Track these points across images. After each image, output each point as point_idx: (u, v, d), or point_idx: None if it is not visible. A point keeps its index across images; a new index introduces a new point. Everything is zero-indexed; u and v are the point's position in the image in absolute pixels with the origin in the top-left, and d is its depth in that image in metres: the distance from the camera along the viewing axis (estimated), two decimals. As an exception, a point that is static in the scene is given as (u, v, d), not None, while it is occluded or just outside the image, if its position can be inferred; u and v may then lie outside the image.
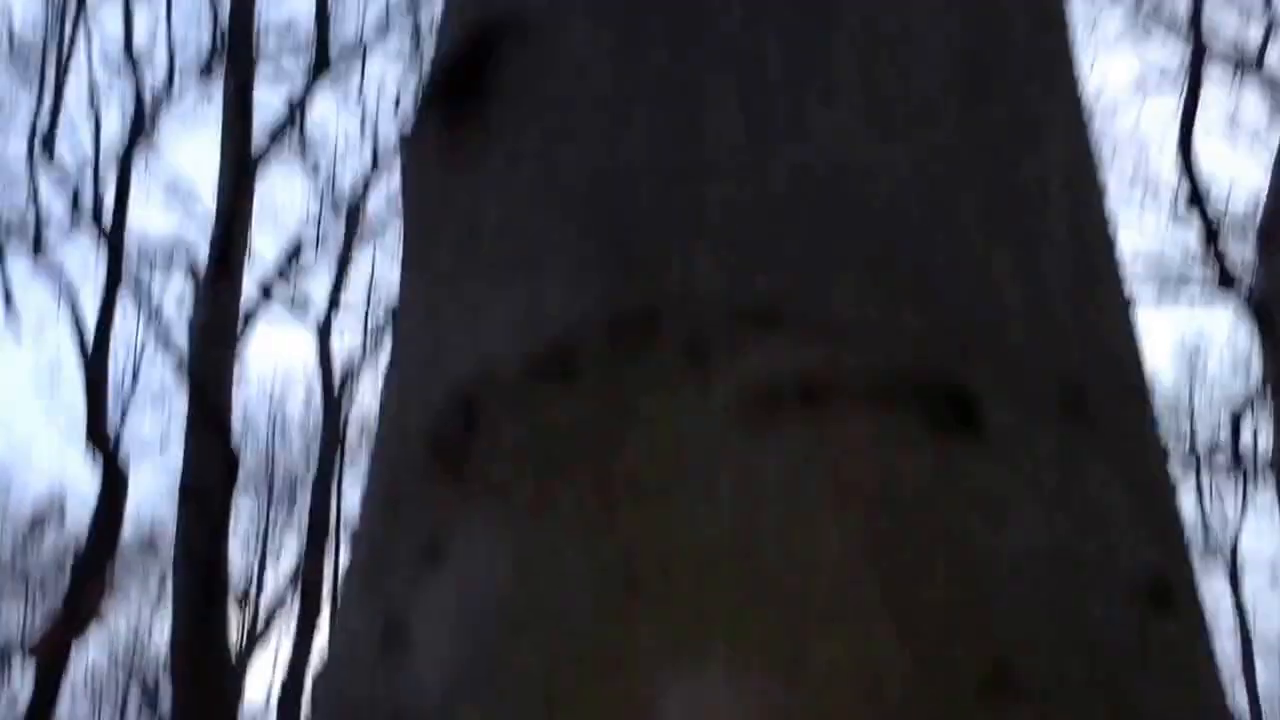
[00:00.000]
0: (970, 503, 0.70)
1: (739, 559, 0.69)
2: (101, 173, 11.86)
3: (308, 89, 12.68)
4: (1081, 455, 0.75)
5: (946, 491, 0.70)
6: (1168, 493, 0.80)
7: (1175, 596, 0.73)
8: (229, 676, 9.19)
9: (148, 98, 12.54)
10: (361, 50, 13.93)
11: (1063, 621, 0.68)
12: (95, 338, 10.40)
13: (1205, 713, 0.71)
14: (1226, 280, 11.10)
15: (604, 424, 0.76)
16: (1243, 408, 14.39)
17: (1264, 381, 11.97)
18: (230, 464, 7.75)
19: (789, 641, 0.66)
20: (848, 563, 0.67)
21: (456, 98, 0.97)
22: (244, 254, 10.41)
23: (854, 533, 0.68)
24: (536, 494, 0.76)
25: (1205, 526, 17.69)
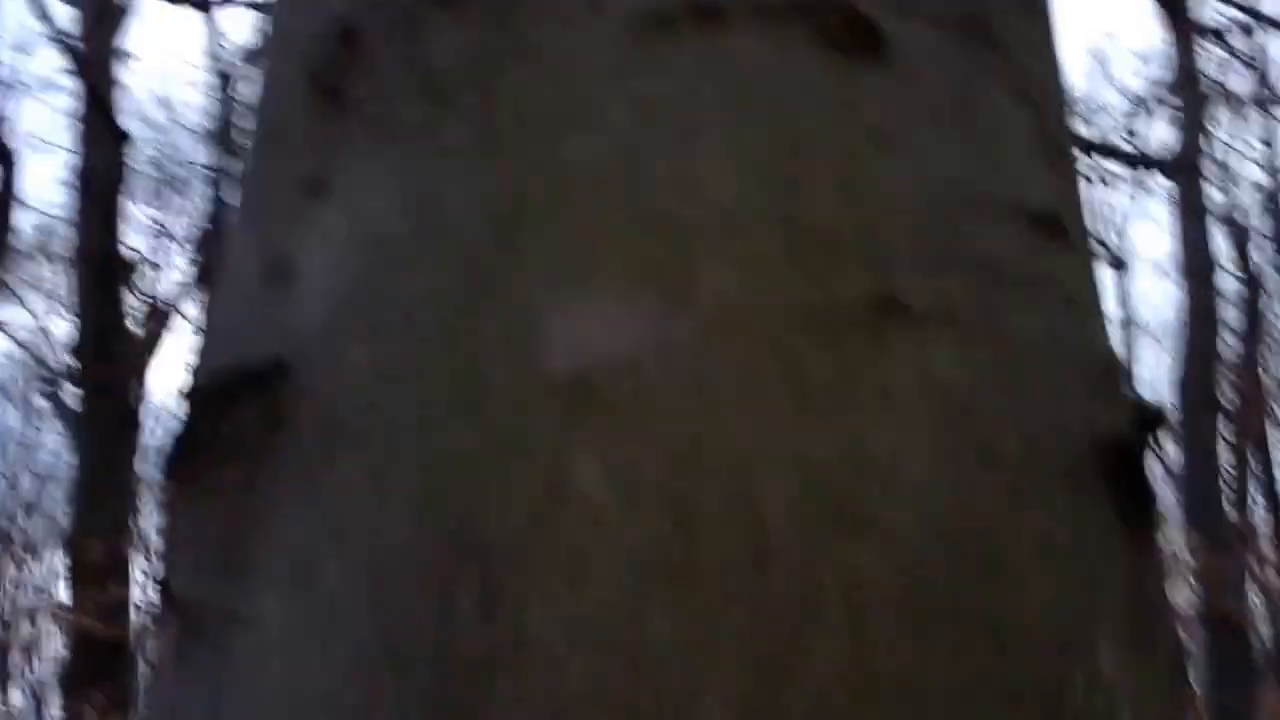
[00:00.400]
0: (866, 126, 0.68)
1: (628, 185, 0.67)
2: None
3: None
4: (981, 79, 0.73)
5: (842, 114, 0.68)
6: (1064, 122, 0.79)
7: (1066, 228, 0.73)
8: (134, 366, 9.19)
9: None
10: None
11: (952, 248, 0.68)
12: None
13: (1089, 345, 0.72)
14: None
15: (491, 50, 0.72)
16: (1143, 104, 14.48)
17: (1170, 76, 12.02)
18: (119, 145, 7.50)
19: (676, 266, 0.65)
20: (738, 186, 0.66)
21: None
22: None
23: (745, 155, 0.67)
24: (421, 124, 0.73)
25: (1099, 221, 18.12)
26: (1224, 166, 15.77)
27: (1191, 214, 10.94)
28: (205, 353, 0.78)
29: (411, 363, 0.67)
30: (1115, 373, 0.73)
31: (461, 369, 0.65)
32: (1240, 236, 13.38)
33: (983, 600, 0.61)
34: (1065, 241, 0.73)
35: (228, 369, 0.72)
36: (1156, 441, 0.73)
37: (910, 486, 0.62)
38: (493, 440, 0.64)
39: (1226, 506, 11.10)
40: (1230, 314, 12.88)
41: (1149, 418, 0.72)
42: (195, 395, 0.73)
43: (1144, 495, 0.69)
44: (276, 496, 0.68)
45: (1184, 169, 11.06)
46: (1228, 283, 12.65)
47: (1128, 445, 0.69)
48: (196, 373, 0.76)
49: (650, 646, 0.59)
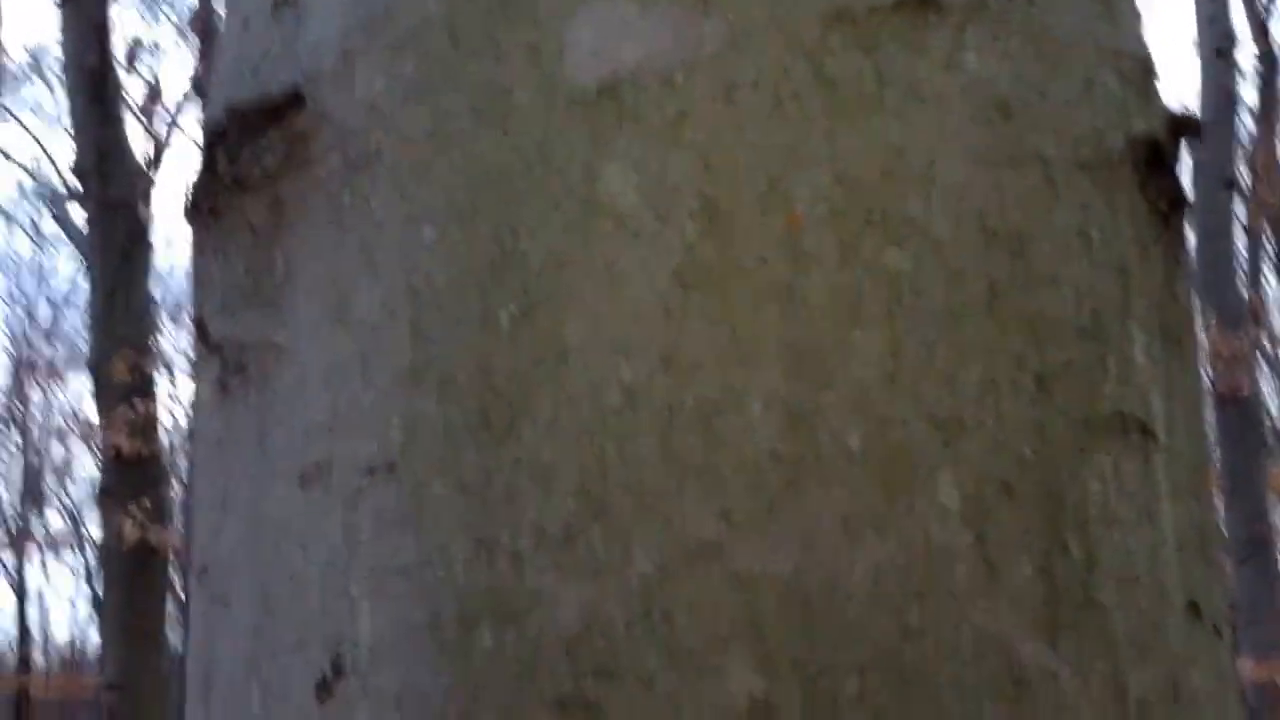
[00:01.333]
0: None
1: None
2: None
3: None
4: None
5: None
6: None
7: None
8: (139, 182, 9.13)
9: None
10: None
11: None
12: None
13: (1126, 44, 0.70)
14: None
15: None
16: None
17: None
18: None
19: None
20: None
21: None
22: None
23: None
24: None
25: None
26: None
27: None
28: (218, 91, 0.76)
29: (430, 81, 0.65)
30: (1151, 75, 0.71)
31: (483, 84, 0.64)
32: (1260, 13, 13.01)
33: (1018, 295, 0.61)
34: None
35: (244, 102, 0.71)
36: (1189, 146, 0.71)
37: (946, 187, 0.61)
38: (521, 155, 0.63)
39: (1240, 285, 11.09)
40: (1248, 92, 12.63)
41: (1182, 123, 0.71)
42: (212, 132, 0.72)
43: (1176, 196, 0.68)
44: (303, 227, 0.68)
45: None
46: (1246, 61, 12.37)
47: (1163, 145, 0.68)
48: (211, 111, 0.75)
49: (689, 352, 0.59)
